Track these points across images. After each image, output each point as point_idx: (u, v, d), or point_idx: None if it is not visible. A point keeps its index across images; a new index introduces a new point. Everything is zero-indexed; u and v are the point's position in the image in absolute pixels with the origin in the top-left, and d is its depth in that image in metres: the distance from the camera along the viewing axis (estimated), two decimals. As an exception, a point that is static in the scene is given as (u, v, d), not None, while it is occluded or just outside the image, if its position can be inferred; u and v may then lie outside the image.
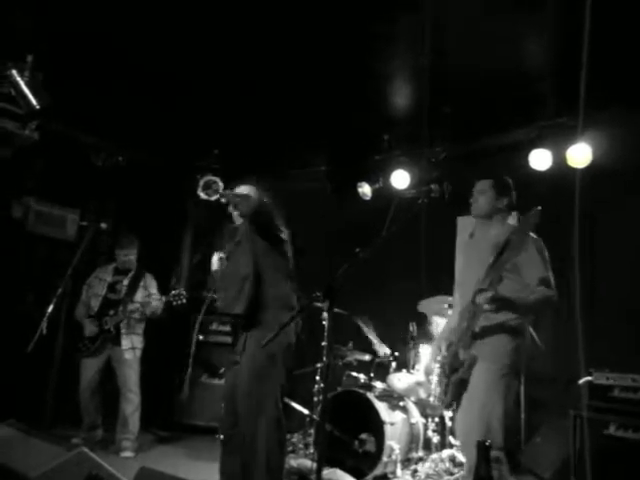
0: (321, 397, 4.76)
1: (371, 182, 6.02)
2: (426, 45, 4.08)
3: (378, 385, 4.76)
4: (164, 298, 4.80)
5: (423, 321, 5.03)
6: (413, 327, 4.98)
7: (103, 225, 4.89)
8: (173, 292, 4.75)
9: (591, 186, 3.55)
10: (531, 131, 5.09)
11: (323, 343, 4.66)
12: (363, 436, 4.37)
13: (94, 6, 3.96)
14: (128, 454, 4.69)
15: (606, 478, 3.48)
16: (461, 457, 4.28)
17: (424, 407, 4.75)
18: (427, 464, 4.42)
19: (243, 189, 3.41)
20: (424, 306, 4.95)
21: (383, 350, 4.99)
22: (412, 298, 5.03)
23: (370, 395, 4.50)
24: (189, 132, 5.87)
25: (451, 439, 4.59)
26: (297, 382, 5.21)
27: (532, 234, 2.98)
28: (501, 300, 2.87)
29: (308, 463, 4.26)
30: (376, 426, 4.31)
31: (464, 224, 5.48)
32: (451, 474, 4.28)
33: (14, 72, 3.67)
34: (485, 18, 3.81)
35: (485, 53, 4.18)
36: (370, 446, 4.32)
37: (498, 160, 5.36)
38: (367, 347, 5.22)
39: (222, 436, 3.38)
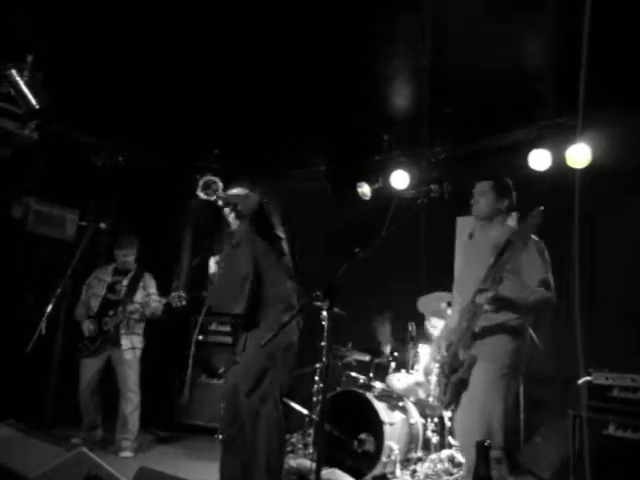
0: (320, 397, 4.76)
1: (371, 182, 6.02)
2: (426, 45, 4.07)
3: (377, 385, 4.76)
4: (164, 299, 4.80)
5: (422, 321, 5.03)
6: (412, 327, 4.98)
7: (102, 225, 4.90)
8: (173, 293, 4.76)
9: (591, 186, 3.55)
10: (531, 131, 5.09)
11: (322, 343, 4.67)
12: (362, 436, 4.37)
13: (94, 6, 3.96)
14: (127, 454, 4.69)
15: (605, 478, 3.49)
16: (460, 457, 4.28)
17: (423, 407, 4.75)
18: (426, 464, 4.42)
19: (239, 190, 3.40)
20: (423, 304, 4.95)
21: (387, 349, 4.99)
22: (412, 298, 5.03)
23: (369, 395, 4.50)
24: (189, 132, 5.87)
25: (450, 439, 4.59)
26: (296, 382, 5.20)
27: (533, 236, 2.98)
28: (501, 300, 2.87)
29: (307, 463, 4.26)
30: (375, 426, 4.31)
31: (464, 224, 5.48)
32: (450, 474, 4.28)
33: (14, 72, 3.67)
34: (485, 18, 3.81)
35: (485, 53, 4.18)
36: (369, 446, 4.32)
37: (498, 160, 5.36)
38: (366, 347, 5.23)
39: (222, 436, 3.38)
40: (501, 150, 5.40)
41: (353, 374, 4.95)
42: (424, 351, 4.77)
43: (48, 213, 5.85)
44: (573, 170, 4.62)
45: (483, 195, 3.23)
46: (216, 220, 3.48)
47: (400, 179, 5.79)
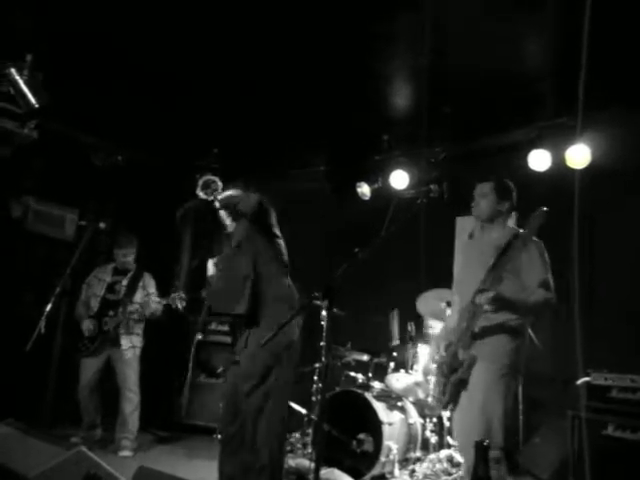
0: (319, 397, 4.77)
1: (370, 182, 6.02)
2: (426, 45, 4.08)
3: (376, 385, 4.76)
4: (163, 300, 4.80)
5: (421, 321, 5.03)
6: (411, 327, 4.98)
7: (102, 225, 4.88)
8: (173, 295, 4.76)
9: (590, 187, 3.55)
10: (530, 131, 5.09)
11: (321, 343, 4.67)
12: (361, 436, 4.37)
13: (94, 6, 3.96)
14: (127, 453, 4.70)
15: (605, 479, 3.49)
16: (459, 457, 4.28)
17: (422, 407, 4.76)
18: (425, 464, 4.42)
19: (235, 192, 3.40)
20: (422, 303, 4.94)
21: (395, 343, 5.00)
22: (411, 298, 5.03)
23: (368, 395, 4.50)
24: (188, 132, 5.87)
25: (449, 439, 4.59)
26: (296, 382, 5.20)
27: (534, 237, 2.98)
28: (501, 300, 2.87)
29: (306, 463, 4.26)
30: (374, 426, 4.31)
31: (463, 224, 5.49)
32: (449, 474, 4.28)
33: (13, 71, 3.67)
34: (485, 18, 3.81)
35: (485, 53, 4.18)
36: (368, 446, 4.32)
37: (497, 161, 5.36)
38: (365, 347, 5.23)
39: (221, 435, 3.38)
40: (501, 150, 5.40)
41: (352, 374, 4.95)
42: (423, 351, 4.77)
43: (47, 212, 5.85)
44: (573, 170, 4.62)
45: (484, 197, 3.23)
46: (214, 221, 3.47)
47: (400, 179, 5.79)
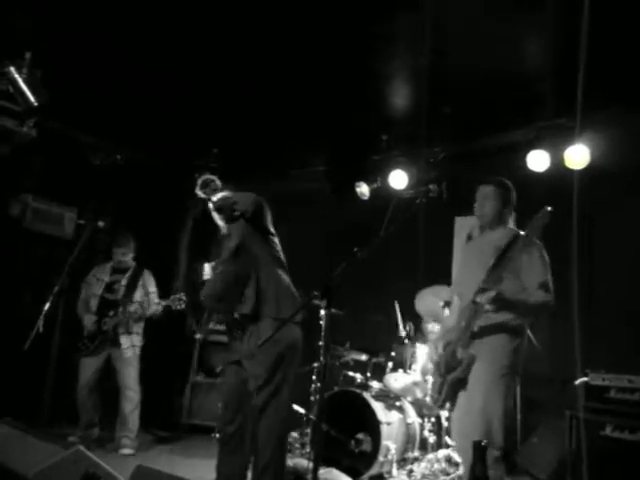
0: (318, 397, 4.76)
1: (369, 182, 6.02)
2: (426, 45, 4.08)
3: (375, 385, 4.76)
4: (163, 302, 4.80)
5: (420, 321, 5.03)
6: (410, 327, 4.98)
7: (100, 223, 4.87)
8: (173, 296, 4.76)
9: (589, 187, 3.56)
10: (529, 132, 5.09)
11: (320, 343, 4.66)
12: (359, 436, 4.37)
13: (94, 6, 3.95)
14: (127, 451, 4.70)
15: (602, 479, 3.49)
16: (457, 457, 4.28)
17: (420, 407, 4.76)
18: (423, 464, 4.41)
19: (228, 193, 3.38)
20: (420, 301, 4.93)
21: (405, 332, 4.99)
22: (410, 298, 5.03)
23: (367, 395, 4.50)
24: (188, 131, 5.86)
25: (447, 439, 4.59)
26: (294, 381, 5.21)
27: (535, 238, 2.97)
28: (502, 300, 2.87)
29: (304, 463, 4.25)
30: (372, 426, 4.31)
31: (462, 224, 5.49)
32: (447, 474, 4.28)
33: (12, 69, 3.66)
34: (485, 18, 3.81)
35: (485, 53, 4.18)
36: (366, 446, 4.32)
37: (496, 161, 5.36)
38: (364, 346, 5.23)
39: (219, 435, 3.37)
40: (500, 150, 5.40)
41: (350, 374, 4.95)
42: (422, 351, 4.77)
43: (46, 211, 5.84)
44: (571, 171, 4.62)
45: (488, 200, 3.22)
46: (212, 223, 3.47)
47: (399, 179, 5.79)
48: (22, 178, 5.66)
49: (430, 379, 4.19)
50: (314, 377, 4.99)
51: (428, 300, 4.80)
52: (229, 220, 3.33)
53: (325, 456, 4.15)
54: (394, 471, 4.34)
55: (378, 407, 4.41)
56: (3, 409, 3.45)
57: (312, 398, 4.91)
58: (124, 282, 4.99)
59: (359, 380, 4.85)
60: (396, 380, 4.75)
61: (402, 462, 4.50)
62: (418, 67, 4.47)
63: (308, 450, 4.66)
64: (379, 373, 4.96)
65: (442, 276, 4.68)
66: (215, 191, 3.30)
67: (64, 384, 4.81)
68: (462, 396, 3.06)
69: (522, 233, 2.85)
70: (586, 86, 2.38)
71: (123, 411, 4.79)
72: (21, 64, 3.71)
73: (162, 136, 5.98)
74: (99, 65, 4.67)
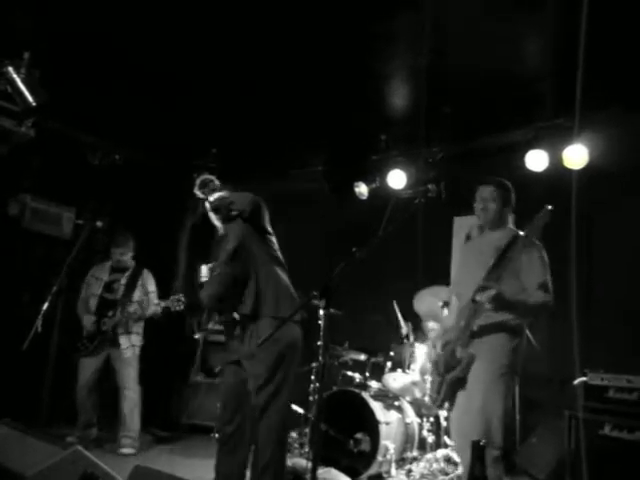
0: (316, 396, 4.76)
1: (368, 182, 6.02)
2: (426, 45, 4.08)
3: (373, 385, 4.76)
4: (162, 303, 4.80)
5: (419, 321, 5.03)
6: (409, 327, 4.98)
7: (99, 223, 4.88)
8: (172, 297, 4.75)
9: (588, 187, 3.56)
10: (528, 132, 5.09)
11: (319, 342, 4.66)
12: (358, 435, 4.37)
13: (93, 6, 3.95)
14: (127, 451, 4.70)
15: (602, 479, 3.49)
16: (456, 457, 4.28)
17: (419, 407, 4.76)
18: (422, 464, 4.41)
19: (225, 193, 3.38)
20: (418, 301, 4.93)
21: (406, 330, 4.99)
22: (408, 298, 5.03)
23: (365, 395, 4.50)
24: (187, 131, 5.86)
25: (446, 439, 4.60)
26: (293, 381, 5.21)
27: (534, 239, 2.97)
28: (502, 300, 2.86)
29: (303, 462, 4.25)
30: (371, 425, 4.31)
31: (461, 224, 5.49)
32: (446, 474, 4.28)
33: (10, 69, 3.66)
34: (485, 18, 3.81)
35: (485, 53, 4.18)
36: (365, 445, 4.33)
37: (495, 161, 5.36)
38: (363, 346, 5.23)
39: (218, 435, 3.37)
40: (498, 150, 5.41)
41: (349, 373, 4.95)
42: (420, 351, 4.77)
43: (45, 211, 5.84)
44: (570, 171, 4.62)
45: (490, 202, 3.21)
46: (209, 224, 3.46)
47: (397, 179, 5.79)
48: (20, 178, 5.66)
49: (429, 379, 4.19)
50: (313, 377, 4.99)
51: (427, 301, 4.79)
52: (225, 220, 3.32)
53: (324, 456, 4.14)
54: (393, 471, 4.34)
55: (377, 407, 4.41)
56: (1, 409, 3.44)
57: (311, 398, 4.91)
58: (123, 281, 4.99)
59: (358, 380, 4.85)
60: (395, 380, 4.75)
61: (401, 462, 4.50)
62: (418, 67, 4.47)
63: (307, 450, 4.66)
64: (378, 373, 4.96)
65: (441, 276, 4.67)
66: (213, 191, 3.29)
67: (62, 384, 4.81)
68: (461, 395, 3.06)
69: (522, 234, 2.85)
70: (585, 86, 2.38)
71: (123, 411, 4.79)
72: (19, 64, 3.70)
73: (161, 136, 5.97)
74: (98, 65, 4.66)
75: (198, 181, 3.32)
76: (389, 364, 4.97)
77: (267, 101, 5.16)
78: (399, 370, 4.85)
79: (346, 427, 4.40)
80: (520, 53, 4.26)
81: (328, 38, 4.23)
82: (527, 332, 3.39)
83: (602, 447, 3.57)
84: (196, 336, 5.95)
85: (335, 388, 4.78)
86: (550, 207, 2.73)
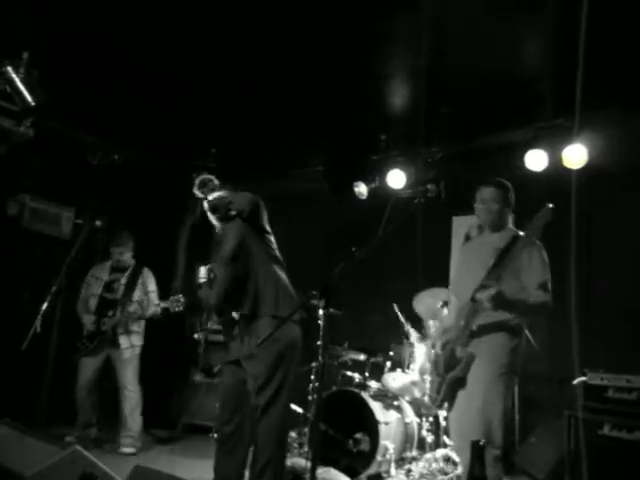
0: (316, 396, 4.76)
1: (368, 182, 6.02)
2: (425, 45, 4.08)
3: (373, 385, 4.76)
4: (162, 303, 4.80)
5: (418, 320, 5.03)
6: (408, 326, 4.98)
7: (98, 223, 4.87)
8: (171, 297, 4.75)
9: (587, 187, 3.56)
10: (528, 132, 5.10)
11: (318, 342, 4.66)
12: (357, 435, 4.37)
13: (93, 6, 3.94)
14: (128, 450, 4.71)
15: (601, 478, 3.50)
16: (455, 457, 4.28)
17: (419, 407, 4.76)
18: (421, 463, 4.41)
19: (224, 192, 3.38)
20: (418, 302, 4.92)
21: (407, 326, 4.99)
22: (408, 297, 5.03)
23: (365, 394, 4.50)
24: (186, 131, 5.86)
25: (445, 439, 4.59)
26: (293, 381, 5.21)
27: (534, 239, 2.97)
28: (502, 299, 2.86)
29: (302, 462, 4.25)
30: (370, 425, 4.31)
31: (460, 224, 5.49)
32: (445, 474, 4.28)
33: (9, 69, 3.65)
34: (485, 18, 3.81)
35: (485, 53, 4.18)
36: (364, 445, 4.33)
37: (494, 161, 5.37)
38: (362, 346, 5.23)
39: (217, 435, 3.36)
40: (498, 150, 5.41)
41: (349, 373, 4.95)
42: (420, 350, 4.77)
43: (44, 210, 5.84)
44: (569, 171, 4.63)
45: (493, 204, 3.21)
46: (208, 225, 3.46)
47: (397, 179, 5.79)
48: (20, 178, 5.65)
49: (428, 378, 4.19)
50: (312, 376, 4.99)
51: (426, 301, 4.79)
52: (224, 220, 3.32)
53: (323, 456, 4.14)
54: (392, 471, 4.34)
55: (376, 407, 4.41)
56: (1, 409, 3.44)
57: (310, 398, 4.91)
58: (123, 281, 4.99)
59: (357, 380, 4.85)
60: (394, 380, 4.75)
61: (400, 462, 4.50)
62: (417, 67, 4.47)
63: (306, 449, 4.66)
64: (377, 373, 4.96)
65: (440, 275, 4.68)
66: (213, 190, 3.29)
67: (62, 384, 4.81)
68: (461, 395, 3.06)
69: (522, 234, 2.85)
70: (585, 86, 2.38)
71: (123, 411, 4.80)
72: (19, 64, 3.69)
73: (160, 136, 5.97)
74: (97, 65, 4.66)
75: (197, 181, 3.32)
76: (388, 364, 4.97)
77: (267, 101, 5.16)
78: (398, 370, 4.84)
79: (345, 427, 4.40)
80: (520, 53, 4.26)
81: (328, 38, 4.23)
82: (526, 332, 3.39)
83: (601, 447, 3.57)
84: (196, 336, 5.94)
85: (334, 388, 4.78)
86: (551, 205, 2.73)
